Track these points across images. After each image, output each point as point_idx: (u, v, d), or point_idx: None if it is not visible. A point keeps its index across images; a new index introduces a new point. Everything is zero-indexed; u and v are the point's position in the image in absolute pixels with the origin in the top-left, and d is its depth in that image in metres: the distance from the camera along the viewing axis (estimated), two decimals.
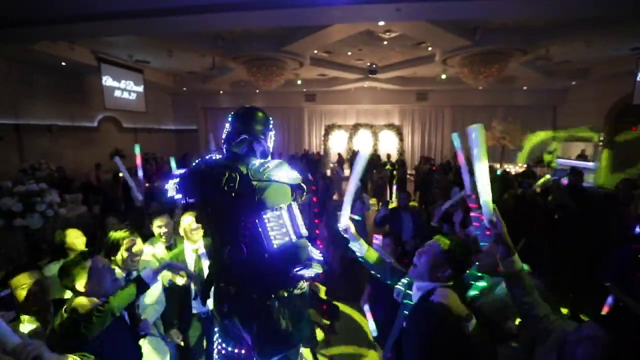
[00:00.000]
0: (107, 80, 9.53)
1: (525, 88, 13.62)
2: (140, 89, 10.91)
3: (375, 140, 15.39)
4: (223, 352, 1.73)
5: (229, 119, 1.71)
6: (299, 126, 16.24)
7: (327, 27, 6.78)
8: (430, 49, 9.03)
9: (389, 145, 15.26)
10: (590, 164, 12.43)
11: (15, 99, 8.36)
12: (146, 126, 13.54)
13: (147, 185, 4.04)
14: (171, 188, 1.67)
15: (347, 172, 11.58)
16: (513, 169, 11.31)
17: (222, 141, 1.71)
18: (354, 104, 15.46)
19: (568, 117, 13.85)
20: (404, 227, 4.11)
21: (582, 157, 12.94)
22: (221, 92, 14.98)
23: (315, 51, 9.42)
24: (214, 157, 1.70)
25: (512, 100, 14.52)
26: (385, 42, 8.48)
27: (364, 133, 15.51)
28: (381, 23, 6.35)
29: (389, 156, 12.28)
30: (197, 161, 1.70)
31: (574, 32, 7.19)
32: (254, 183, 1.53)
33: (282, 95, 15.07)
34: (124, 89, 10.17)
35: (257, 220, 1.53)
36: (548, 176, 5.32)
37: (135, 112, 11.40)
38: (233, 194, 1.51)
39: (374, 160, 11.19)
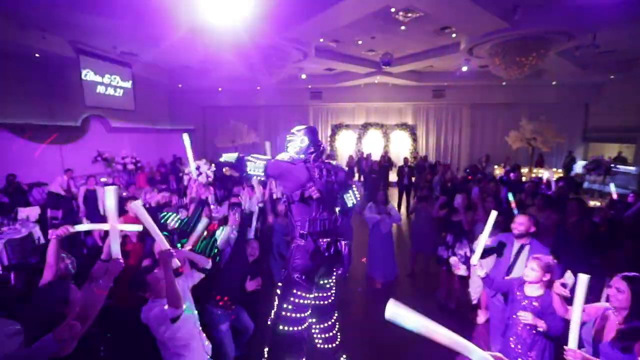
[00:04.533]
0: (88, 75, 8.53)
1: (554, 83, 12.27)
2: (128, 84, 9.90)
3: (386, 141, 14.16)
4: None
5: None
6: None
7: (334, 5, 5.60)
8: (454, 35, 7.81)
9: (401, 147, 14.04)
10: (631, 169, 11.06)
11: None
12: (138, 126, 12.53)
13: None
14: None
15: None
16: (546, 174, 9.94)
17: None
18: (364, 101, 14.26)
19: (602, 115, 12.48)
20: (515, 264, 2.79)
21: (619, 159, 11.57)
22: (220, 89, 13.94)
23: (321, 39, 8.28)
24: None
25: (538, 97, 13.18)
26: (403, 27, 7.29)
27: (374, 133, 14.30)
28: None
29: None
30: None
31: (628, 12, 5.97)
32: None
33: (285, 92, 13.97)
34: (109, 84, 9.16)
35: None
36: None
37: (126, 110, 10.39)
38: None
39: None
